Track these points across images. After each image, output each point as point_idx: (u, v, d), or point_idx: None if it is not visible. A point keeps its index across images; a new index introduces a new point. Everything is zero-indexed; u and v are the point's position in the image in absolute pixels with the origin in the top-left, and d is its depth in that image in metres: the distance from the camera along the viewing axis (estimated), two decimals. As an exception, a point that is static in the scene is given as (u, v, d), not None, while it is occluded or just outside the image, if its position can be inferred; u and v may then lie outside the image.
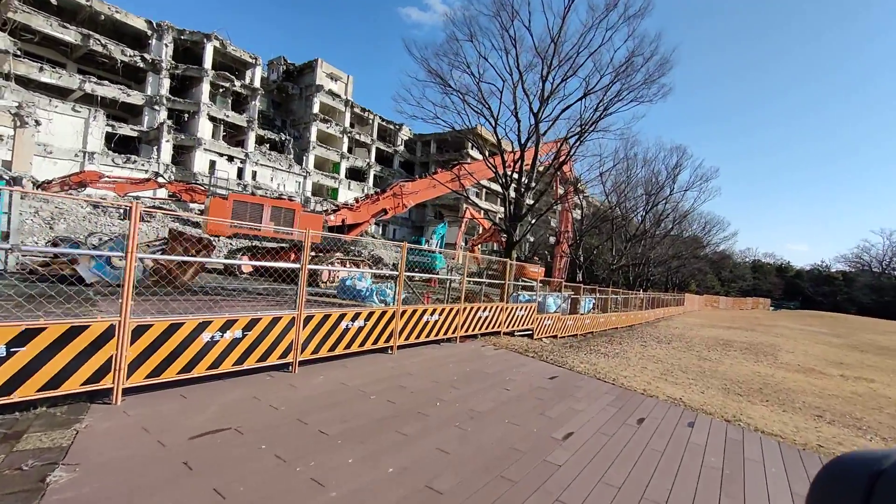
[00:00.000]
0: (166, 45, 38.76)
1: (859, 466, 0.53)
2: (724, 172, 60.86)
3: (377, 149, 56.34)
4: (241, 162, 42.78)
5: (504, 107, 13.98)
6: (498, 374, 7.12)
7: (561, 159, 14.05)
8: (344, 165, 51.86)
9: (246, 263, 11.05)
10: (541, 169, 23.79)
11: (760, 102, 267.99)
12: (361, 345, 7.11)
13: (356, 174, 54.22)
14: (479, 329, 10.08)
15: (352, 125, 53.22)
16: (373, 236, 53.83)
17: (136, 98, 37.71)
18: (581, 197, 22.30)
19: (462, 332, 9.35)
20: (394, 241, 50.01)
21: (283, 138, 47.57)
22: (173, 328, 4.76)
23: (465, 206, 57.66)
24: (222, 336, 5.20)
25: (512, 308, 11.26)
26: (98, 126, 34.10)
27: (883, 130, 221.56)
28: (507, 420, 5.06)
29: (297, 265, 6.57)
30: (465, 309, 9.36)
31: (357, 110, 53.28)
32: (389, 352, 7.62)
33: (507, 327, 11.22)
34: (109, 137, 36.48)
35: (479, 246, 48.58)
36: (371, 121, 55.14)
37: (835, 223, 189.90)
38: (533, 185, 14.70)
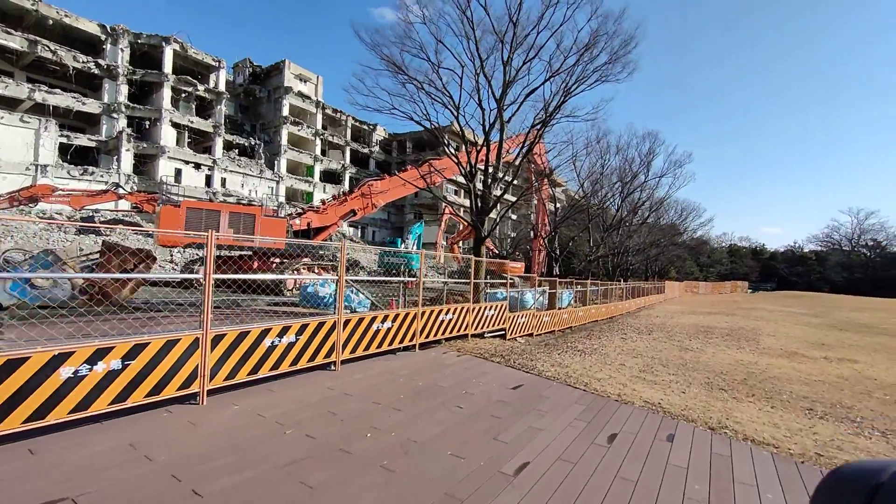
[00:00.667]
0: (122, 50, 36.87)
1: (857, 480, 0.53)
2: (696, 160, 61.37)
3: (352, 150, 55.00)
4: (209, 169, 41.06)
5: (466, 94, 13.10)
6: (454, 387, 6.19)
7: (528, 143, 13.19)
8: (318, 168, 50.43)
9: (174, 277, 9.92)
10: (510, 160, 22.95)
11: (728, 92, 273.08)
12: (294, 363, 6.11)
13: (331, 177, 52.80)
14: (444, 333, 9.15)
15: (324, 127, 51.76)
16: (351, 239, 52.51)
17: (92, 106, 35.76)
18: (554, 188, 21.60)
19: (422, 339, 8.40)
20: (363, 244, 48.55)
21: (252, 143, 45.91)
22: (12, 366, 3.70)
23: (443, 205, 56.86)
24: (91, 369, 4.15)
25: (480, 308, 10.36)
26: (50, 137, 32.13)
27: (847, 112, 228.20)
28: (451, 451, 4.13)
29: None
30: (423, 313, 8.42)
31: (329, 111, 51.83)
32: (332, 368, 6.63)
33: (476, 329, 10.33)
34: (65, 149, 34.49)
35: (460, 244, 47.77)
36: (344, 122, 53.75)
37: (805, 205, 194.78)
38: (500, 175, 13.85)
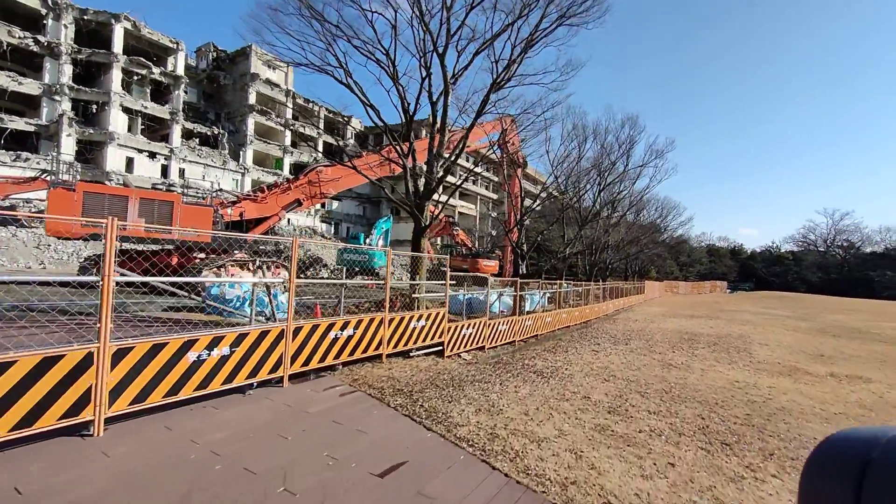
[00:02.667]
0: (65, 27, 33.24)
1: (853, 448, 0.51)
2: (674, 161, 59.46)
3: (325, 142, 51.82)
4: (165, 159, 37.63)
5: (404, 51, 10.39)
6: (273, 473, 3.49)
7: (482, 110, 10.62)
8: (287, 161, 47.24)
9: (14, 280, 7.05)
10: (478, 149, 20.32)
11: (706, 95, 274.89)
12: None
13: (302, 170, 49.47)
14: (342, 356, 6.46)
15: (295, 117, 48.46)
16: (322, 235, 49.44)
17: (30, 87, 32.11)
18: (522, 176, 19.05)
19: (295, 368, 5.71)
20: (335, 241, 45.35)
21: (216, 132, 42.48)
22: None
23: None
24: None
25: (403, 319, 7.67)
26: (-25, 118, 28.47)
27: (824, 114, 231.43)
28: None
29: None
30: (294, 330, 5.72)
31: (300, 101, 48.58)
32: (90, 432, 3.90)
33: (399, 346, 7.67)
34: (-2, 132, 30.83)
35: (432, 241, 45.03)
36: (317, 112, 50.49)
37: (782, 207, 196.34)
38: (445, 154, 11.22)
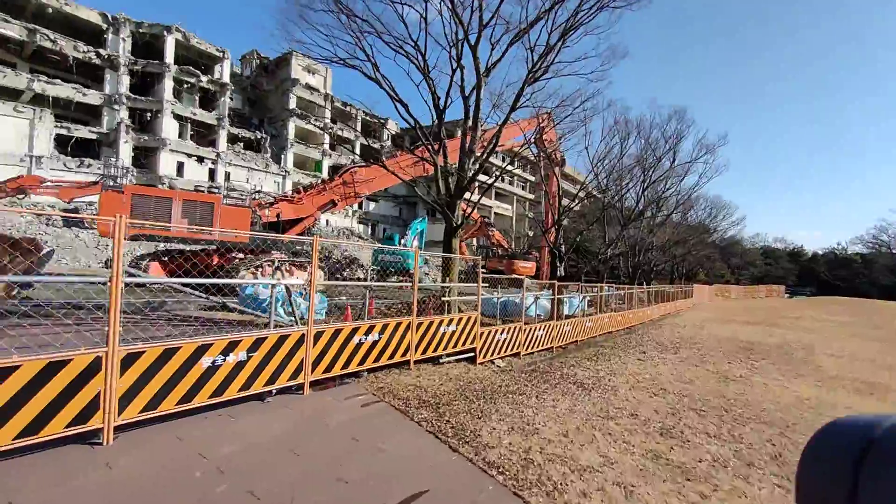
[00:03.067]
0: (124, 40, 35.36)
1: (852, 433, 0.51)
2: (726, 157, 55.58)
3: (362, 145, 52.47)
4: (212, 163, 39.30)
5: (434, 44, 9.98)
6: (276, 498, 3.14)
7: (515, 107, 10.00)
8: (326, 163, 48.20)
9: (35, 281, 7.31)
10: (513, 147, 19.77)
11: (762, 85, 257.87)
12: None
13: (339, 172, 50.46)
14: (367, 362, 6.11)
15: (333, 121, 49.47)
16: (360, 237, 50.09)
17: (93, 98, 34.36)
18: (560, 176, 18.16)
19: (317, 375, 5.40)
20: (372, 242, 45.79)
21: (259, 136, 43.98)
22: None
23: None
24: None
25: (430, 323, 7.24)
26: (45, 127, 30.78)
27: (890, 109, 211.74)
28: None
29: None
30: (315, 335, 5.40)
31: (338, 104, 49.45)
32: (100, 440, 3.71)
33: (429, 352, 7.25)
34: (65, 141, 33.17)
35: (467, 242, 44.52)
36: (354, 115, 51.29)
37: (847, 207, 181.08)
38: (476, 150, 10.69)
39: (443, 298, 8.78)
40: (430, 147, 10.38)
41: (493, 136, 10.49)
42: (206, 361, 4.29)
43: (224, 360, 4.44)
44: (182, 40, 37.43)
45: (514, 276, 30.66)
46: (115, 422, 3.69)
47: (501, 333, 9.06)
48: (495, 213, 63.08)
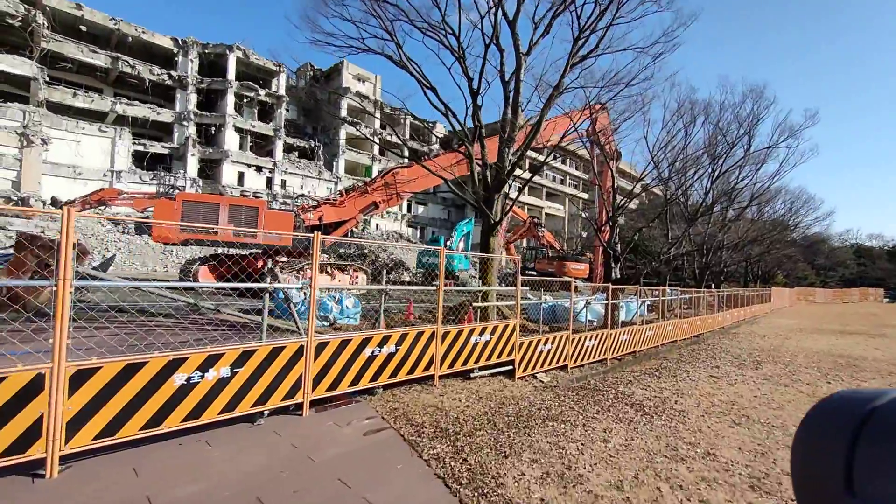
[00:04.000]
0: (192, 61, 37.85)
1: (851, 404, 0.50)
2: (815, 140, 49.02)
3: (410, 149, 52.62)
4: (269, 172, 41.02)
5: (467, 25, 9.03)
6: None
7: (560, 90, 8.71)
8: (376, 168, 48.69)
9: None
10: (558, 142, 18.41)
11: (858, 58, 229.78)
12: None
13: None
14: (382, 378, 5.28)
15: (383, 126, 49.98)
16: (408, 240, 50.14)
17: (165, 116, 37.06)
18: (616, 171, 16.38)
19: (319, 393, 4.63)
20: (419, 244, 45.51)
21: (312, 145, 45.41)
22: None
23: (508, 204, 52.20)
24: None
25: (459, 333, 6.28)
26: (124, 145, 33.50)
27: None
28: None
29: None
30: (317, 347, 4.64)
31: (387, 111, 49.96)
32: (43, 472, 3.14)
33: (458, 365, 6.31)
34: (142, 156, 36.00)
35: (518, 243, 42.91)
36: (403, 120, 51.54)
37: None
38: (518, 142, 9.57)
39: (474, 304, 7.76)
40: (465, 137, 9.43)
41: (536, 125, 9.36)
42: (179, 378, 3.65)
43: (202, 376, 3.79)
44: (242, 58, 39.44)
45: (565, 278, 28.76)
46: (60, 451, 3.10)
47: (545, 344, 7.90)
48: (546, 213, 60.78)
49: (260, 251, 16.68)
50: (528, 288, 10.83)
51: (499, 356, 6.93)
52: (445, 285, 6.43)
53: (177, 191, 30.74)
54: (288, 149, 43.39)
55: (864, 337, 16.95)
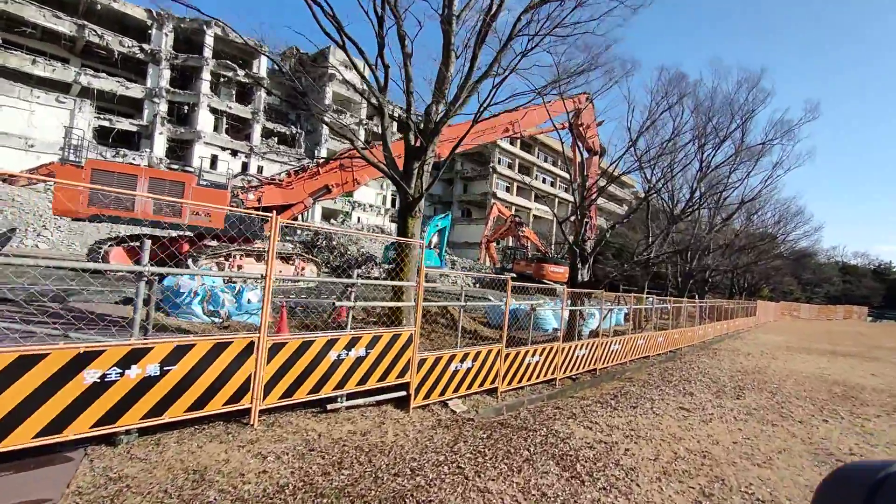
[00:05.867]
0: (166, 35, 35.45)
1: (862, 474, 0.51)
2: (812, 141, 47.10)
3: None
4: (245, 156, 38.73)
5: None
6: None
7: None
8: (360, 159, 46.54)
9: None
10: (536, 134, 16.55)
11: (842, 71, 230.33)
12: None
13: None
14: (126, 419, 3.22)
15: (370, 117, 47.84)
16: (391, 235, 48.00)
17: (135, 91, 34.64)
18: (598, 162, 14.37)
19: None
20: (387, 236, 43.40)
21: (293, 132, 43.12)
22: None
23: (493, 201, 50.07)
24: None
25: (305, 345, 4.21)
26: (84, 118, 31.04)
27: None
28: None
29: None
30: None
31: (374, 100, 47.77)
32: None
33: (300, 392, 4.25)
34: (107, 132, 33.56)
35: (498, 242, 40.94)
36: (390, 111, 49.32)
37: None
38: (445, 89, 7.55)
39: (385, 304, 5.68)
40: (371, 86, 7.34)
41: (475, 84, 7.33)
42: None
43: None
44: (221, 35, 37.04)
45: (543, 282, 26.85)
46: None
47: (462, 361, 5.86)
48: (535, 215, 58.84)
49: (191, 234, 14.52)
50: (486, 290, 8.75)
51: (382, 378, 4.89)
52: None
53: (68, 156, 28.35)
54: (267, 134, 41.10)
55: (857, 360, 15.11)
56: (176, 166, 34.74)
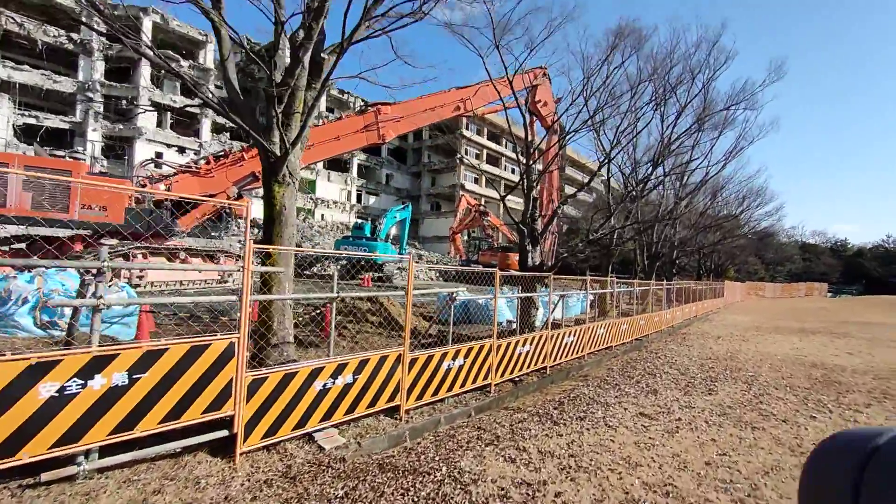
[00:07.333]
0: (97, 23, 32.12)
1: (854, 443, 0.50)
2: (777, 111, 47.20)
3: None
4: (194, 153, 35.76)
5: None
6: None
7: None
8: (321, 154, 44.09)
9: None
10: (494, 110, 15.38)
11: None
12: None
13: (337, 164, 46.37)
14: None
15: (330, 109, 45.44)
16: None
17: (65, 84, 31.34)
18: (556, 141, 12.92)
19: None
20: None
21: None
22: None
23: (461, 193, 48.40)
24: None
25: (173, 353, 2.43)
26: (3, 114, 27.76)
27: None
28: None
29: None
30: None
31: (335, 92, 45.46)
32: None
33: (33, 450, 2.44)
34: (35, 131, 30.22)
35: (465, 234, 39.42)
36: (352, 104, 47.07)
37: (888, 199, 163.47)
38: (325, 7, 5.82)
39: (252, 297, 3.88)
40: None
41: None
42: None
43: None
44: (160, 23, 34.08)
45: (509, 271, 25.35)
46: None
47: (336, 376, 4.13)
48: (510, 207, 57.49)
49: (84, 232, 12.27)
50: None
51: (176, 415, 3.10)
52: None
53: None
54: (218, 129, 38.24)
55: (828, 338, 14.15)
56: (118, 168, 31.78)
